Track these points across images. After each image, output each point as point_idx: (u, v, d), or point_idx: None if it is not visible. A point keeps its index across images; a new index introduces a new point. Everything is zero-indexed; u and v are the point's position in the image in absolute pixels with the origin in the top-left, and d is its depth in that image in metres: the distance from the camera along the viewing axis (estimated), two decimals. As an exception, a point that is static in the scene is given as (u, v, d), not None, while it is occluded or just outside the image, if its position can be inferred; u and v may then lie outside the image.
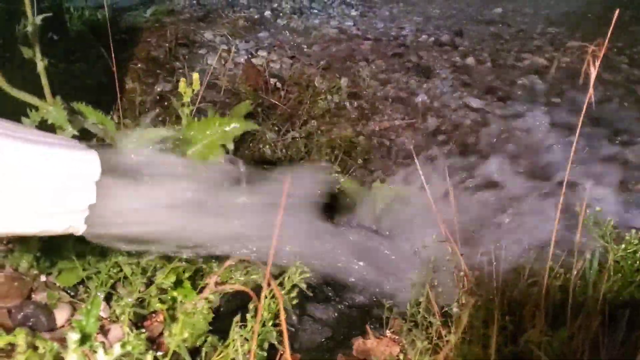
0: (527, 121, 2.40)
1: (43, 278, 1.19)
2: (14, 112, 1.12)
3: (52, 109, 0.99)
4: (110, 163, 0.92)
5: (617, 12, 0.96)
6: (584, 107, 0.97)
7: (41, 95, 1.05)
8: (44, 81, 1.00)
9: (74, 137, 1.03)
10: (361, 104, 2.51)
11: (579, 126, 1.06)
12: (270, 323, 1.10)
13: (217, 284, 1.28)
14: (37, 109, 1.01)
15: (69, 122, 1.01)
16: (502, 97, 2.63)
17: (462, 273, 1.19)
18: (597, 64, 0.91)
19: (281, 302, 0.61)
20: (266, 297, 1.06)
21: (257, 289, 1.15)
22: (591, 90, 0.93)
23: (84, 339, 0.87)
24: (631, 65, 3.05)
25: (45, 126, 1.02)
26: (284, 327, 0.63)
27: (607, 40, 0.92)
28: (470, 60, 3.06)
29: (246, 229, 1.06)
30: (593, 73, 0.91)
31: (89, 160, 0.85)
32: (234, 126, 1.22)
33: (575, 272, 1.07)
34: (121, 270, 1.21)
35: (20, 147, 0.80)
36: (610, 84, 2.79)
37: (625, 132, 2.33)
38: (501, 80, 2.81)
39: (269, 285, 0.61)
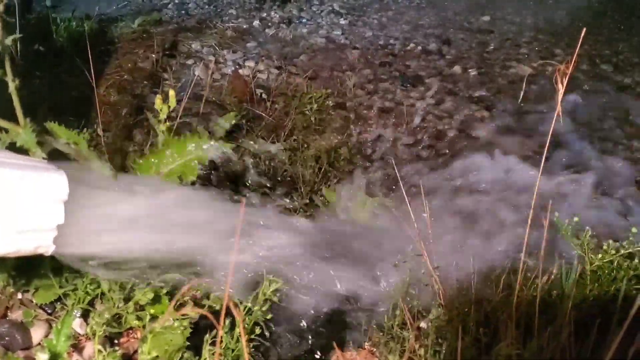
0: (512, 130, 2.42)
1: (19, 296, 1.19)
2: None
3: (22, 132, 1.00)
4: (80, 183, 0.93)
5: (584, 31, 0.97)
6: (552, 122, 0.99)
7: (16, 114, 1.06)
8: (16, 102, 1.00)
9: (45, 157, 1.04)
10: (347, 114, 2.52)
11: (549, 139, 1.08)
12: (245, 338, 1.10)
13: (194, 299, 1.29)
14: (7, 131, 1.02)
15: (38, 145, 1.02)
16: (488, 107, 2.65)
17: (437, 287, 1.20)
18: (565, 81, 0.92)
19: (242, 324, 0.62)
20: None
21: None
22: (559, 107, 0.94)
23: (54, 358, 0.88)
24: (615, 73, 3.07)
25: (16, 147, 1.03)
26: (244, 348, 0.64)
27: (574, 58, 0.93)
28: (456, 68, 3.08)
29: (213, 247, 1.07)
30: (561, 91, 0.92)
31: (57, 181, 0.86)
32: (210, 146, 1.23)
33: (540, 285, 1.08)
34: (99, 286, 1.22)
35: (-12, 169, 0.81)
36: (595, 91, 2.82)
37: (608, 140, 2.35)
38: (487, 89, 2.83)
39: (227, 307, 0.61)
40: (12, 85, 0.97)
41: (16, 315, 1.16)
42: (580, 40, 0.96)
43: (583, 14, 4.16)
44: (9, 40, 0.92)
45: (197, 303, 1.34)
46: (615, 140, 2.36)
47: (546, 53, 3.36)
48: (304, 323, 1.38)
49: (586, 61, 3.22)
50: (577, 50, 0.96)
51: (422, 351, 1.01)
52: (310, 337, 1.35)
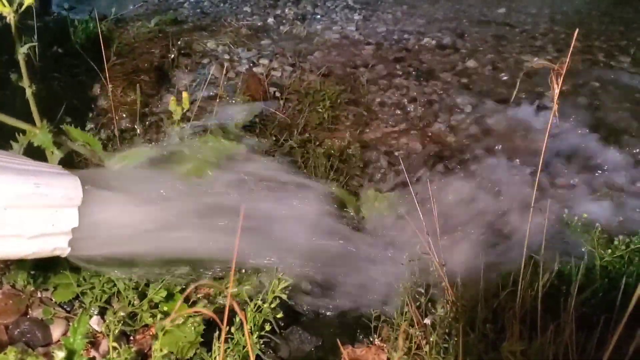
0: (526, 124, 2.42)
1: (39, 294, 1.24)
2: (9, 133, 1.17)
3: (39, 133, 1.04)
4: (95, 185, 0.97)
5: (576, 31, 0.98)
6: (549, 123, 1.00)
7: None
8: (32, 105, 1.04)
9: (60, 161, 1.08)
10: (360, 111, 2.53)
11: (547, 135, 1.09)
12: (255, 335, 1.13)
13: (207, 296, 1.33)
14: (24, 132, 1.06)
15: (55, 146, 1.06)
16: (502, 100, 2.64)
17: (443, 284, 1.22)
18: (560, 81, 0.93)
19: (246, 328, 0.65)
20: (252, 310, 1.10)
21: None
22: (555, 106, 0.95)
23: (70, 356, 0.92)
24: (633, 64, 3.04)
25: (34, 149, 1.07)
26: (249, 349, 0.67)
27: (568, 59, 0.94)
28: (471, 63, 3.07)
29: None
30: (556, 90, 0.94)
31: (71, 186, 0.90)
32: (225, 146, 1.25)
33: (542, 282, 1.09)
34: (115, 285, 1.26)
35: (6, 176, 0.85)
36: (610, 83, 2.79)
37: (624, 133, 2.33)
38: (501, 83, 2.82)
39: (232, 308, 0.64)
40: (28, 91, 1.01)
41: (36, 313, 1.21)
42: (573, 41, 0.97)
43: (600, 4, 4.11)
44: (24, 49, 0.95)
45: (210, 301, 1.38)
46: (630, 134, 2.35)
47: (562, 45, 3.34)
48: (314, 318, 1.41)
49: (603, 52, 3.19)
50: (570, 50, 0.97)
51: (427, 348, 1.04)
52: (320, 333, 1.38)
